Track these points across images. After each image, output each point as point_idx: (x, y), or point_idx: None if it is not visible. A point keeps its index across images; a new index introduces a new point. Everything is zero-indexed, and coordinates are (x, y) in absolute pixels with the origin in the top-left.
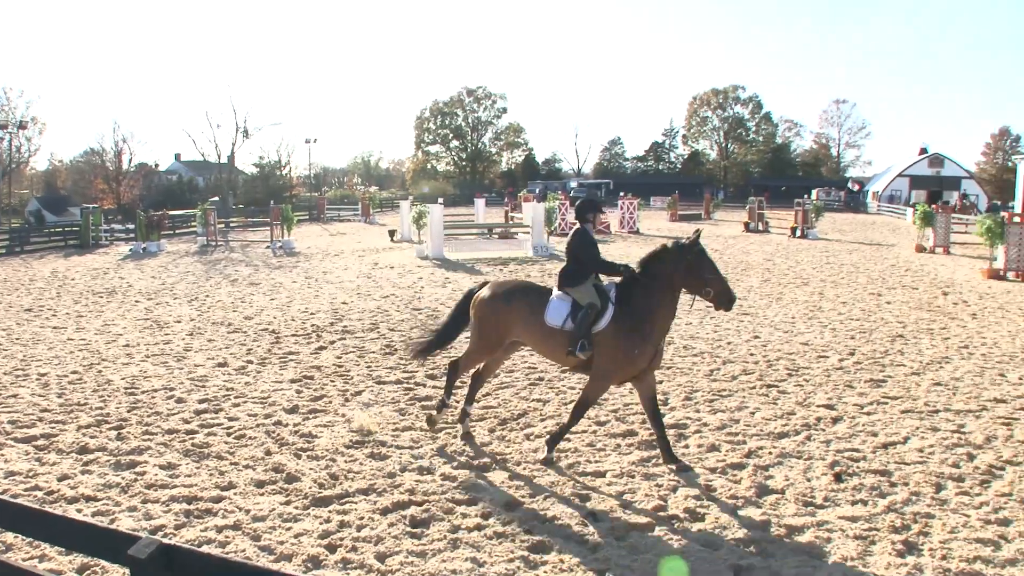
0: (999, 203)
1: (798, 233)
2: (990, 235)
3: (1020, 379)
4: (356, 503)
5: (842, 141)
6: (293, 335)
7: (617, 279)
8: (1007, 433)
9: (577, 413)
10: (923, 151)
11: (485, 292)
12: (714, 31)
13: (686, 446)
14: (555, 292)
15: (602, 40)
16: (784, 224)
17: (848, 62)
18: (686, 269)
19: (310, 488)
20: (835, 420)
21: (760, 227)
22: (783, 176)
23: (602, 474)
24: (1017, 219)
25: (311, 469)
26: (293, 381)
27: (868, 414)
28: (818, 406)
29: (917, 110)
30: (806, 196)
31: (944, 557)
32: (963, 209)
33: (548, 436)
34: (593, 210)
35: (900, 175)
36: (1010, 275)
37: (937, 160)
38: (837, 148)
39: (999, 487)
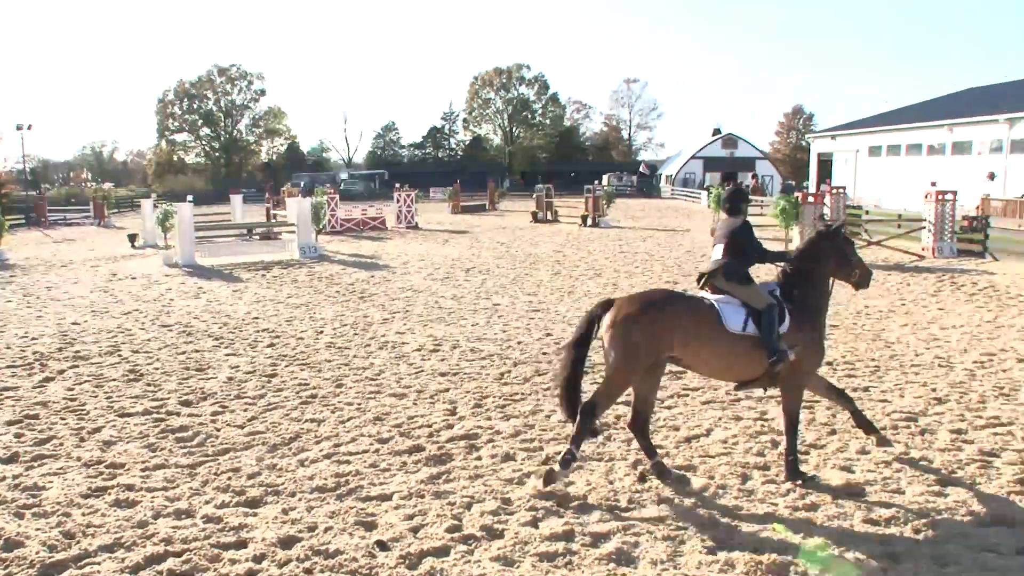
0: (793, 183)
1: (589, 222)
2: (785, 216)
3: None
4: (99, 563)
5: (633, 123)
6: (9, 366)
7: (770, 276)
8: (809, 417)
9: (791, 431)
10: (716, 132)
11: (626, 309)
12: (497, 7)
13: (478, 457)
14: (713, 296)
15: (372, 15)
16: (574, 213)
17: (638, 41)
18: (839, 254)
19: (37, 554)
20: None
21: (549, 217)
22: (572, 161)
23: (388, 497)
24: (812, 199)
25: (38, 530)
26: (11, 423)
27: (669, 408)
28: (618, 403)
29: (710, 89)
30: (597, 182)
31: (756, 549)
32: (756, 190)
33: (784, 467)
34: (746, 199)
35: (694, 157)
36: None
37: (731, 141)
38: (628, 130)
39: (804, 471)
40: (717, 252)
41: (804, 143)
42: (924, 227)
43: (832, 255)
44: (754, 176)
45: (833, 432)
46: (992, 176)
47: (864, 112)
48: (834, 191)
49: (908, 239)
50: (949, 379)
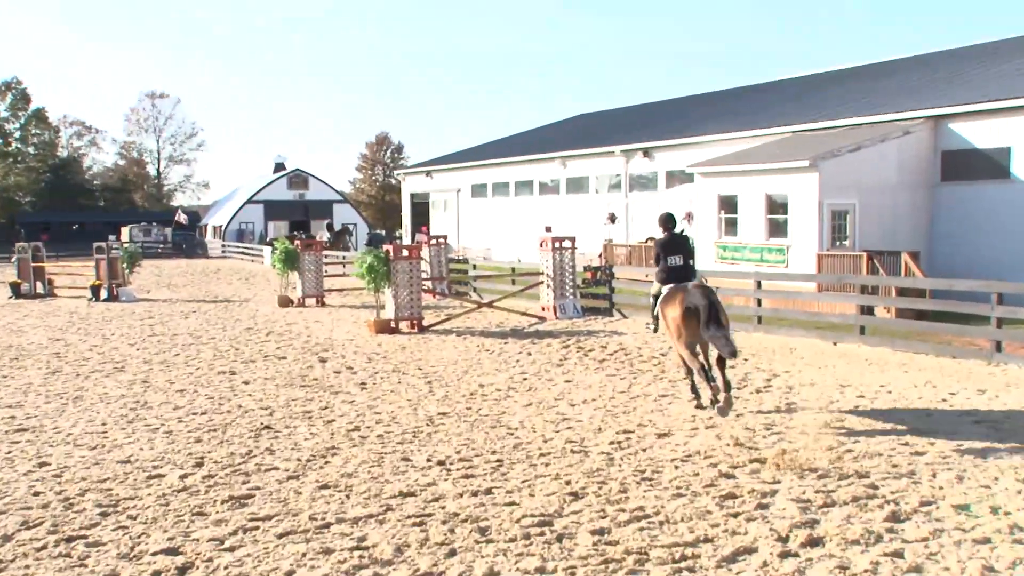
0: (382, 232)
1: (104, 294)
2: (373, 276)
3: (428, 461)
4: None
5: (164, 154)
6: None
7: None
8: (421, 537)
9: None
10: (280, 167)
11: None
12: None
13: None
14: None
15: None
16: (81, 282)
17: (166, 44)
18: None
19: None
20: (183, 570)
21: (39, 290)
22: (75, 208)
23: None
24: (407, 252)
25: None
26: None
27: (232, 549)
28: (156, 553)
29: (269, 110)
30: (114, 237)
31: None
32: (335, 244)
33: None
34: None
35: (251, 201)
36: (403, 325)
37: (300, 179)
38: (157, 165)
39: None
40: (678, 260)
41: (394, 181)
42: (543, 282)
43: None
44: (330, 226)
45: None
46: (613, 218)
47: (465, 142)
48: (434, 241)
49: (526, 297)
50: (585, 467)
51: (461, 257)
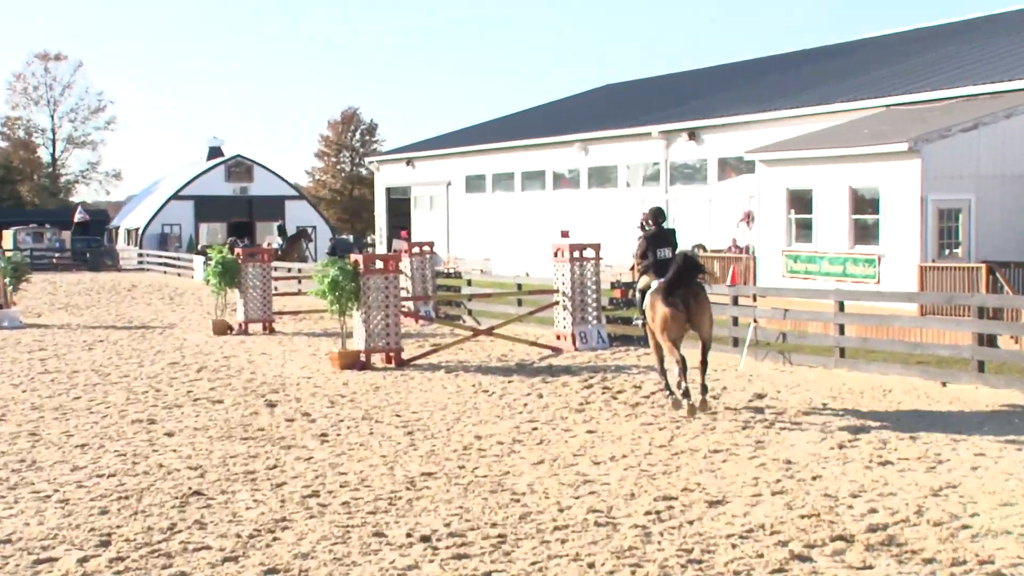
0: (349, 238)
1: None
2: (338, 295)
3: (408, 537)
4: None
5: (61, 134)
6: None
7: None
8: None
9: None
10: (215, 153)
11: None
12: None
13: None
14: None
15: None
16: None
17: None
18: None
19: None
20: None
21: None
22: None
23: None
24: (382, 265)
25: None
26: None
27: None
28: None
29: (201, 83)
30: None
31: None
32: (289, 252)
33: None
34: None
35: (178, 196)
36: (377, 359)
37: (242, 169)
38: (53, 147)
39: None
40: (667, 252)
41: (365, 171)
42: (558, 302)
43: None
44: (281, 229)
45: None
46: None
47: (457, 122)
48: (417, 249)
49: (536, 322)
50: (613, 545)
51: (452, 270)
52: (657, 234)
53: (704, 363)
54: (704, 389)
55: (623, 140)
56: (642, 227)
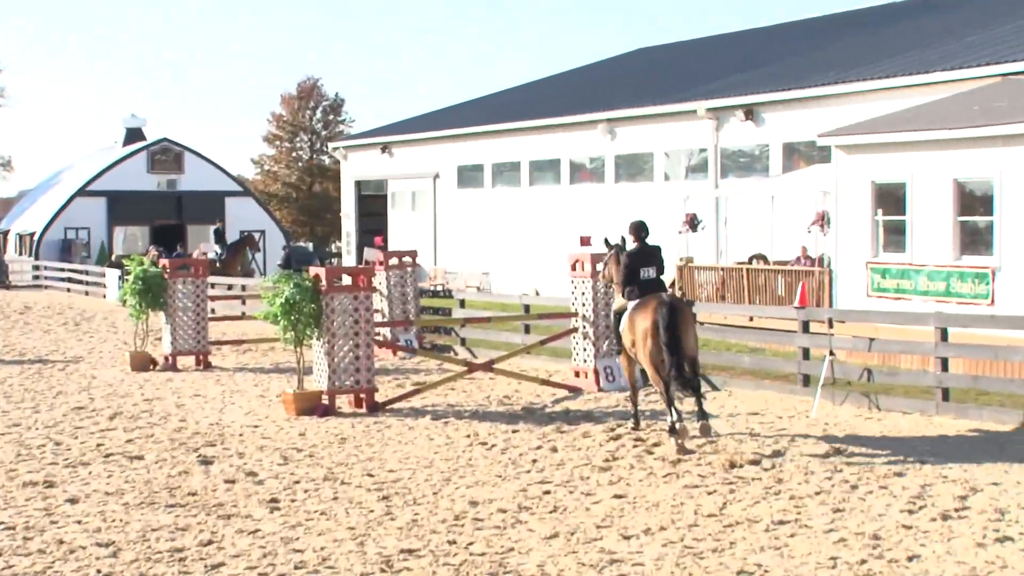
0: (308, 245)
1: None
2: (293, 319)
3: None
4: None
5: None
6: None
7: None
8: None
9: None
10: (134, 136)
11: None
12: None
13: None
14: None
15: None
16: None
17: None
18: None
19: None
20: None
21: None
22: None
23: None
24: (346, 279)
25: None
26: None
27: None
28: None
29: (115, 49)
30: None
31: None
32: (230, 264)
33: None
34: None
35: (85, 191)
36: (343, 402)
37: (169, 157)
38: None
39: None
40: (651, 272)
41: (328, 159)
42: (576, 328)
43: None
44: (219, 233)
45: None
46: (694, 221)
47: (446, 99)
48: (395, 260)
49: (549, 354)
50: None
51: (440, 287)
52: (641, 251)
53: (697, 385)
54: (702, 415)
55: (660, 120)
56: (612, 246)
